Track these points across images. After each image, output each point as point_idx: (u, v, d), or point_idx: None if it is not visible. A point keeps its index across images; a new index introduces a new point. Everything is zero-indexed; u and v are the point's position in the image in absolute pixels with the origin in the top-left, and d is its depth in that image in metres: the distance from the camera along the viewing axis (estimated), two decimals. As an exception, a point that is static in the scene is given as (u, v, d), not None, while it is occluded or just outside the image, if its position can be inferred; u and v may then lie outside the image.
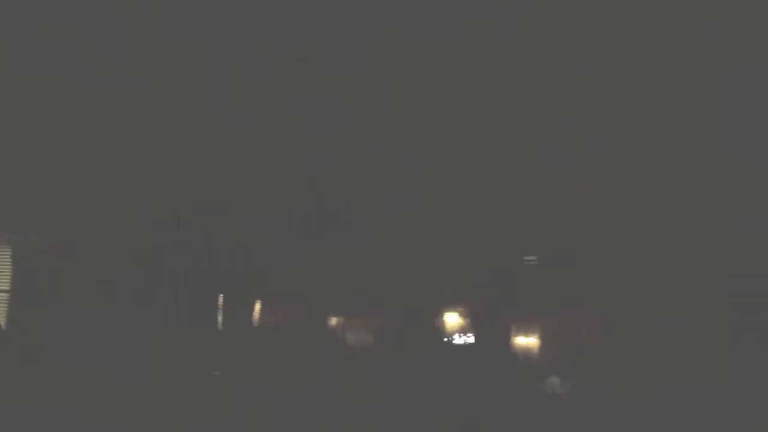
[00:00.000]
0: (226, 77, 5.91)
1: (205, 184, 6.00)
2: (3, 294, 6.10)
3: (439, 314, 6.29)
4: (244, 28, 5.86)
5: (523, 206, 6.05)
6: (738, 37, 5.65)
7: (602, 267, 6.00)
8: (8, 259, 6.13)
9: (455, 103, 5.97)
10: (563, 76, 5.87)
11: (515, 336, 6.24)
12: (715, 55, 5.71)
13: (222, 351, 5.83)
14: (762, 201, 5.87)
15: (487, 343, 6.25)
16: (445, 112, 6.00)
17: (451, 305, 6.29)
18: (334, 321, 6.23)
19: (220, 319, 5.99)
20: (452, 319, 6.32)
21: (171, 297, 5.78)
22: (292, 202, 6.09)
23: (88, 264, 5.83)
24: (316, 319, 6.18)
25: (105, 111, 5.85)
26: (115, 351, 5.53)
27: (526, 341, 6.24)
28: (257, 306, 6.11)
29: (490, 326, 6.25)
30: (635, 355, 5.78)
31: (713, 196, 5.96)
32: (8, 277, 6.12)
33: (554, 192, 6.01)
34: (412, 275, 6.09)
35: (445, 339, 6.29)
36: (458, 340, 6.30)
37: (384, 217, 6.11)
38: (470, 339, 6.29)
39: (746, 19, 5.64)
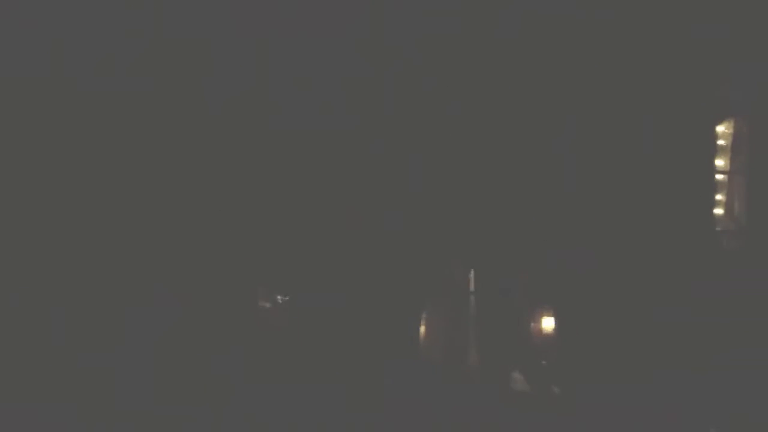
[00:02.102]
0: (226, 77, 5.91)
1: (203, 183, 6.00)
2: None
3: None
4: (244, 28, 5.87)
5: (523, 204, 6.05)
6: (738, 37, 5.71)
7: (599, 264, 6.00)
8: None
9: (452, 102, 5.99)
10: (562, 76, 5.90)
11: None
12: (715, 56, 5.76)
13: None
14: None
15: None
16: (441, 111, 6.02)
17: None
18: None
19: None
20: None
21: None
22: (290, 201, 6.09)
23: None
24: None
25: (105, 111, 5.84)
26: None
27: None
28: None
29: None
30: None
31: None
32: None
33: (553, 191, 6.02)
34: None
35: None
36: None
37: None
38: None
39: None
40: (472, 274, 6.22)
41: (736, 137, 6.07)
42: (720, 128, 6.08)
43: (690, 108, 5.84)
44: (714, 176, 6.02)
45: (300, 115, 5.96)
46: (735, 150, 6.08)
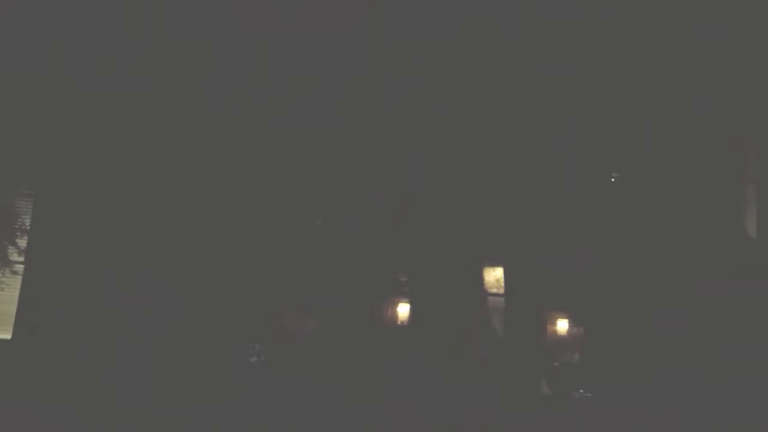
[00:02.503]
0: (226, 77, 5.91)
1: (203, 182, 6.00)
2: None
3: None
4: (244, 28, 5.88)
5: (526, 205, 6.06)
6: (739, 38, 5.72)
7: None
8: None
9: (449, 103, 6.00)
10: (562, 76, 5.90)
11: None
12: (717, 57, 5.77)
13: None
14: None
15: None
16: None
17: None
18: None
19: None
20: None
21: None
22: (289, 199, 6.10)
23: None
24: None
25: (105, 111, 5.84)
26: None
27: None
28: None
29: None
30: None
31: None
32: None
33: (555, 190, 6.03)
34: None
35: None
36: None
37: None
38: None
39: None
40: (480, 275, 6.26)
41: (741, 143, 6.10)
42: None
43: (689, 109, 5.85)
44: (718, 179, 6.03)
45: (300, 114, 5.96)
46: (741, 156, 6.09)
